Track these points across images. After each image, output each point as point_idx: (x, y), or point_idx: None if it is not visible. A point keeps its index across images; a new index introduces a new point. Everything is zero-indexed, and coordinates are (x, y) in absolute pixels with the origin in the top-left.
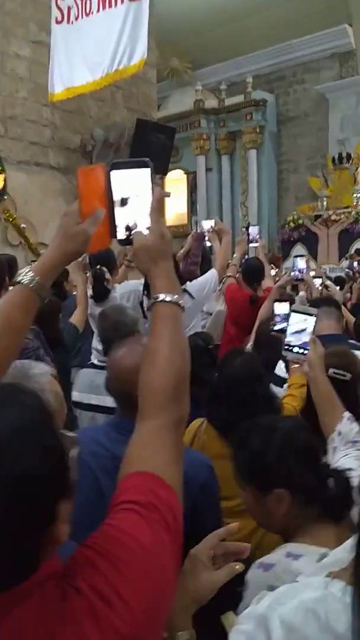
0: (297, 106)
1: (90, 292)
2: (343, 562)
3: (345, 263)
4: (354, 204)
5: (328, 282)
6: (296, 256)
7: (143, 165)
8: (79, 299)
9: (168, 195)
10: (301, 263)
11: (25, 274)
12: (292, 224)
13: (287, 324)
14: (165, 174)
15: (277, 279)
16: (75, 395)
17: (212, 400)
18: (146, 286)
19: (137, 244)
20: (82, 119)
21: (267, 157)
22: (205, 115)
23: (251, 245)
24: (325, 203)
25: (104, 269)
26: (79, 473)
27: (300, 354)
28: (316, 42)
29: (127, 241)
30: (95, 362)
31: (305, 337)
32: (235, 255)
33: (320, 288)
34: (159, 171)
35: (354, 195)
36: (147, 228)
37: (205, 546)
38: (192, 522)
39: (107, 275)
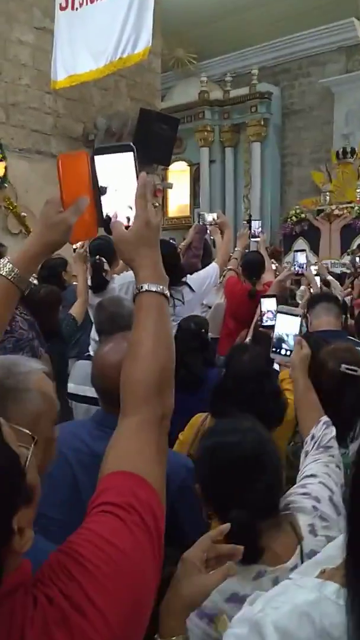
0: (302, 99)
1: (89, 282)
2: (335, 559)
3: (347, 258)
4: (357, 199)
5: (330, 278)
6: (296, 250)
7: (126, 149)
8: (79, 290)
9: (170, 186)
10: (301, 258)
11: (4, 265)
12: (294, 218)
13: (275, 325)
14: (168, 165)
15: (277, 273)
16: (71, 387)
17: (218, 395)
18: None
19: (115, 234)
20: (85, 108)
21: (271, 150)
22: (210, 106)
23: (252, 240)
24: (328, 198)
25: (103, 259)
26: (59, 468)
27: (287, 355)
28: (323, 35)
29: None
30: (92, 353)
31: (291, 339)
32: (236, 249)
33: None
34: (162, 162)
35: (358, 190)
36: (127, 217)
37: (198, 549)
38: (169, 524)
39: (106, 266)
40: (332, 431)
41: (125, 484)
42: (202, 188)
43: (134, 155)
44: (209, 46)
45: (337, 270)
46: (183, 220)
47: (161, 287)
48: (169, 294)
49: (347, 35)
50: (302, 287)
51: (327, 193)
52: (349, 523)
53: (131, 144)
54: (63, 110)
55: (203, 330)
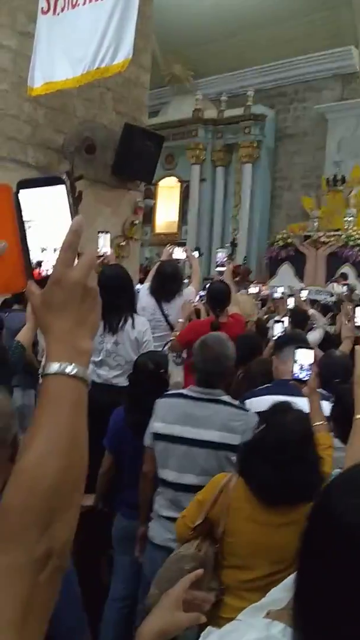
0: (297, 124)
1: None
2: (281, 601)
3: (330, 286)
4: (345, 227)
5: (311, 311)
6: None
7: (57, 181)
8: (28, 314)
9: (151, 204)
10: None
11: None
12: (280, 243)
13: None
14: (150, 182)
15: (260, 296)
16: (160, 427)
17: (252, 455)
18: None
19: (30, 299)
20: (67, 118)
21: (262, 173)
22: (204, 125)
23: (218, 269)
24: (316, 224)
25: None
26: None
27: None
28: (320, 61)
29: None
30: (185, 392)
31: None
32: (179, 320)
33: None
34: (145, 178)
35: (345, 218)
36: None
37: (180, 588)
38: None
39: None
40: None
41: None
42: (191, 205)
43: (67, 189)
44: (206, 65)
45: (321, 298)
46: (170, 237)
47: (74, 366)
48: (88, 377)
49: (344, 62)
50: (277, 323)
51: (316, 219)
52: (299, 562)
53: (62, 176)
54: (43, 119)
55: (162, 371)
